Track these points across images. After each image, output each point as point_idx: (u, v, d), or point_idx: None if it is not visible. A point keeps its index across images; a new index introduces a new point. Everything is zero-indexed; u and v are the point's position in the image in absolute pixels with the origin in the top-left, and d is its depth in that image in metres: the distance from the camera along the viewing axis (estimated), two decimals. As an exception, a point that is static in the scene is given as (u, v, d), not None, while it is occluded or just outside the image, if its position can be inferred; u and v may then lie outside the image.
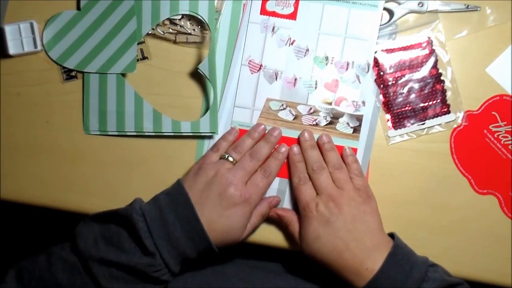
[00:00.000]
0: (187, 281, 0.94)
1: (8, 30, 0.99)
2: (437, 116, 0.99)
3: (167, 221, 0.87)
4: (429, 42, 0.99)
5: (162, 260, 0.86)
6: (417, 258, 0.88)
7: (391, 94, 0.99)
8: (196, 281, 0.94)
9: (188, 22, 1.00)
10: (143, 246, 0.85)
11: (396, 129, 0.99)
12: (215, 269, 0.99)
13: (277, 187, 1.00)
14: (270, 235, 1.02)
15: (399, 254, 0.87)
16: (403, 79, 0.99)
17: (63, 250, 0.89)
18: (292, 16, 0.99)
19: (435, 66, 0.98)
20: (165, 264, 0.86)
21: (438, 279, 0.86)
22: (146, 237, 0.85)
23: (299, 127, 0.99)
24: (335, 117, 0.99)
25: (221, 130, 1.01)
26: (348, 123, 0.99)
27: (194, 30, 1.01)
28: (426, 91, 0.99)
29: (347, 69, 0.98)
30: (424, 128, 0.99)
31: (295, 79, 0.99)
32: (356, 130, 0.99)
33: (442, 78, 0.98)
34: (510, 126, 0.99)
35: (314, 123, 0.99)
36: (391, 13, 0.98)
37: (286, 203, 1.00)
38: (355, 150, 0.99)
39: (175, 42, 1.01)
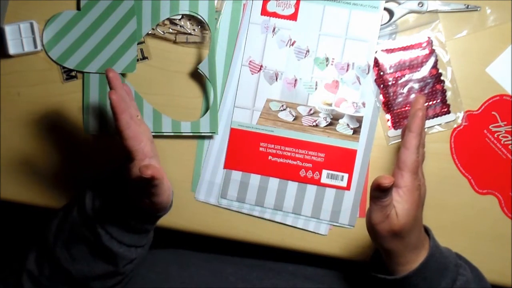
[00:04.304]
0: (184, 281, 0.94)
1: (8, 30, 0.99)
2: (437, 116, 0.99)
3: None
4: (429, 42, 0.99)
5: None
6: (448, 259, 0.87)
7: (391, 94, 0.99)
8: (194, 281, 0.94)
9: (188, 22, 1.00)
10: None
11: (396, 129, 0.99)
12: (213, 268, 0.99)
13: (277, 188, 1.00)
14: (270, 235, 1.02)
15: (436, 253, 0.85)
16: (403, 79, 0.99)
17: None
18: (293, 17, 0.99)
19: (435, 66, 0.98)
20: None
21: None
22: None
23: (299, 128, 0.99)
24: (335, 118, 0.99)
25: (221, 130, 1.01)
26: (348, 124, 0.99)
27: (194, 30, 1.00)
28: (426, 91, 0.99)
29: (347, 70, 0.98)
30: (424, 128, 0.99)
31: (296, 80, 0.99)
32: (356, 131, 0.99)
33: (442, 78, 0.99)
34: (510, 126, 0.99)
35: (314, 124, 0.99)
36: (391, 13, 0.98)
37: (287, 203, 1.00)
38: (354, 151, 0.99)
39: (175, 42, 1.01)
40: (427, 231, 0.87)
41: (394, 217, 0.80)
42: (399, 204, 0.80)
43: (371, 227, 0.83)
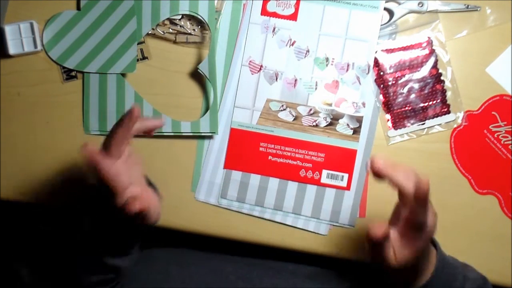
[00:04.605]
0: (185, 281, 0.94)
1: (8, 30, 0.99)
2: (437, 116, 0.99)
3: None
4: (429, 42, 0.99)
5: None
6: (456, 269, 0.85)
7: (391, 94, 0.99)
8: (194, 280, 0.94)
9: (188, 22, 1.00)
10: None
11: (396, 129, 0.99)
12: (213, 267, 0.99)
13: (277, 188, 1.00)
14: (270, 235, 1.02)
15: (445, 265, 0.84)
16: (403, 79, 0.99)
17: None
18: (293, 17, 0.99)
19: (435, 66, 0.98)
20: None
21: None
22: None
23: (299, 128, 0.99)
24: (335, 118, 0.99)
25: (221, 130, 1.01)
26: (348, 124, 0.99)
27: (194, 30, 1.00)
28: (426, 91, 0.99)
29: (347, 70, 0.98)
30: (424, 128, 0.99)
31: (296, 80, 0.99)
32: (356, 131, 0.99)
33: (442, 78, 0.99)
34: (510, 126, 0.99)
35: (314, 124, 0.99)
36: (391, 13, 0.98)
37: (287, 203, 1.00)
38: (354, 151, 0.99)
39: (175, 42, 1.01)
40: (433, 242, 0.85)
41: (392, 257, 0.78)
42: (399, 248, 0.77)
43: (371, 259, 0.81)
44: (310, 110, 0.99)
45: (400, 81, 0.99)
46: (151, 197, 0.85)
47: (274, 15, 0.99)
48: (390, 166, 0.77)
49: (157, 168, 1.02)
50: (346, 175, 1.00)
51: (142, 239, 0.93)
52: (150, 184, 0.90)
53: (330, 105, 0.99)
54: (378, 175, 0.78)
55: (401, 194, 0.78)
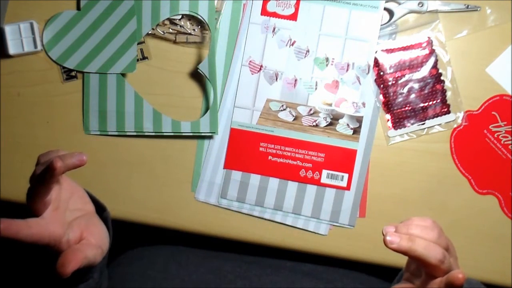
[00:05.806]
0: (184, 279, 0.94)
1: (8, 30, 0.99)
2: (437, 116, 0.99)
3: None
4: (429, 42, 0.98)
5: None
6: None
7: (391, 94, 0.99)
8: (193, 280, 0.94)
9: (188, 22, 1.00)
10: None
11: (396, 129, 0.99)
12: (212, 266, 0.99)
13: (277, 188, 1.00)
14: (270, 235, 1.02)
15: None
16: (403, 79, 0.99)
17: None
18: (293, 17, 0.99)
19: (435, 66, 0.98)
20: None
21: None
22: None
23: (299, 128, 0.99)
24: (335, 118, 0.99)
25: (221, 130, 1.01)
26: (348, 124, 0.99)
27: (194, 30, 1.00)
28: (426, 91, 0.99)
29: (347, 70, 0.98)
30: (424, 128, 0.99)
31: (296, 80, 0.99)
32: (356, 131, 0.99)
33: (442, 78, 0.99)
34: (510, 126, 0.99)
35: (314, 124, 0.99)
36: (391, 13, 0.98)
37: (287, 203, 1.00)
38: (354, 151, 0.99)
39: (175, 42, 1.01)
40: None
41: None
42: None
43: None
44: (310, 110, 0.99)
45: (400, 81, 0.99)
46: (92, 234, 0.77)
47: (274, 15, 0.99)
48: (405, 239, 0.70)
49: (157, 168, 1.02)
50: (346, 175, 1.00)
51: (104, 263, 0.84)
52: (95, 201, 0.83)
53: (330, 105, 0.99)
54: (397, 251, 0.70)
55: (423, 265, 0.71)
